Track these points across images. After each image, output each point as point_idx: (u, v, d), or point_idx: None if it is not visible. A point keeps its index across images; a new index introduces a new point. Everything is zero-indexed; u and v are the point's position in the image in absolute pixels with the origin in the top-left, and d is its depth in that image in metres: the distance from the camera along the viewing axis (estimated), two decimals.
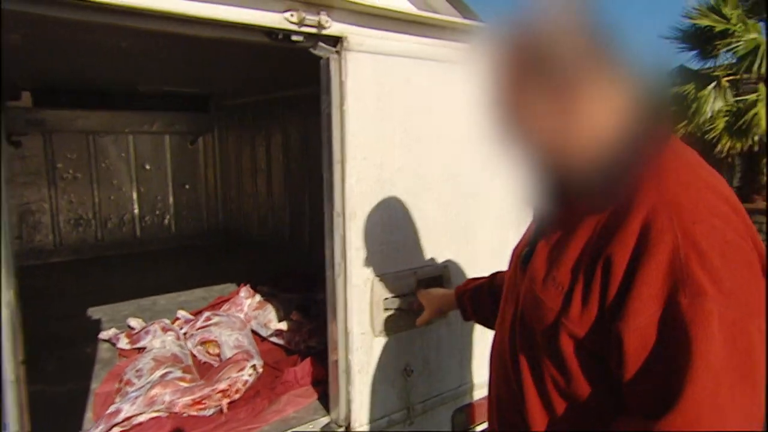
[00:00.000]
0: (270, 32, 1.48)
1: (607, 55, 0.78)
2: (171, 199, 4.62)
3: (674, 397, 0.65)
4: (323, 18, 1.52)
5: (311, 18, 1.50)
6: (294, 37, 1.52)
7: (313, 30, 1.52)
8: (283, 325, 2.34)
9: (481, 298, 1.36)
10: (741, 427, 0.64)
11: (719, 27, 6.75)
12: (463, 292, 1.47)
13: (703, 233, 0.66)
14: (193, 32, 1.40)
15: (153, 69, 3.10)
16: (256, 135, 4.33)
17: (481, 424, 2.08)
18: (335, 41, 1.58)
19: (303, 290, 2.93)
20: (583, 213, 0.83)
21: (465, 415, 2.03)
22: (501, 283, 1.15)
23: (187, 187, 4.71)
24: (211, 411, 1.76)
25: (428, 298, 1.66)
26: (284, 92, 3.71)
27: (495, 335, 1.07)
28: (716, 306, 0.63)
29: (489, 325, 1.26)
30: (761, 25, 6.97)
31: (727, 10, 6.76)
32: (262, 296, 2.64)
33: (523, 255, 0.99)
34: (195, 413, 1.73)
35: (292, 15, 1.47)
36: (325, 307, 2.47)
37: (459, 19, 1.90)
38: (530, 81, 0.79)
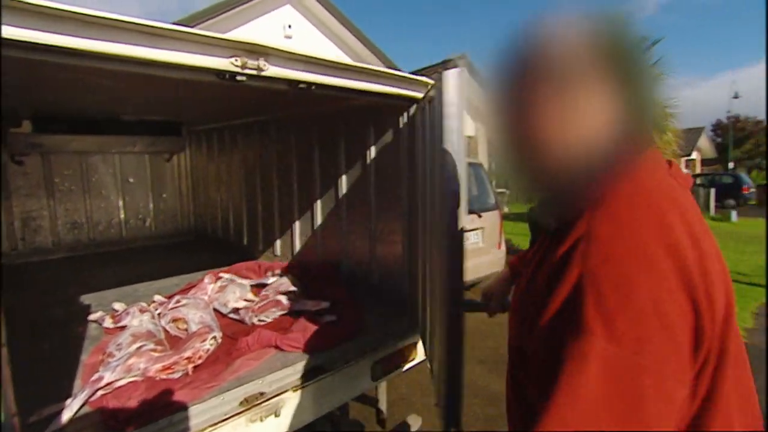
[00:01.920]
0: (219, 73, 1.49)
1: (603, 71, 0.66)
2: (151, 206, 4.57)
3: (547, 417, 0.54)
4: (262, 63, 1.63)
5: (252, 62, 1.61)
6: (238, 78, 1.62)
7: (254, 72, 1.64)
8: (239, 304, 2.34)
9: None
10: None
11: None
12: (515, 266, 1.31)
13: (608, 275, 0.55)
14: (161, 74, 1.41)
15: (133, 102, 3.08)
16: (220, 153, 4.29)
17: (389, 373, 2.17)
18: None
19: (256, 276, 2.95)
20: (545, 225, 0.74)
21: (381, 366, 2.10)
22: None
23: (164, 196, 4.67)
24: (179, 374, 1.74)
25: (492, 291, 1.42)
26: (242, 120, 3.72)
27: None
28: (601, 346, 0.52)
29: None
30: None
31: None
32: (223, 282, 2.62)
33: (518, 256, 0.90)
34: (165, 377, 1.71)
35: (236, 60, 1.56)
36: (272, 288, 2.57)
37: (381, 68, 2.03)
38: (529, 93, 0.69)
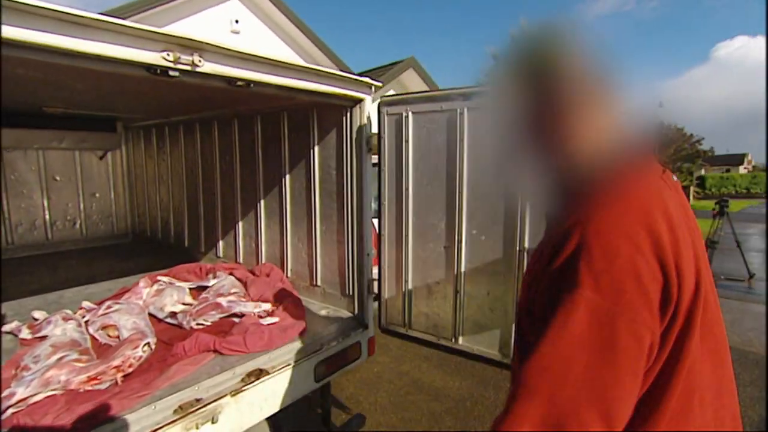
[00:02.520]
0: (149, 68, 1.41)
1: (603, 82, 0.76)
2: (82, 207, 4.22)
3: (538, 348, 0.66)
4: (196, 58, 1.57)
5: (186, 58, 1.54)
6: (171, 73, 1.54)
7: (188, 68, 1.57)
8: (176, 308, 2.24)
9: None
10: (586, 388, 0.63)
11: None
12: None
13: (599, 244, 0.66)
14: (87, 66, 1.32)
15: (59, 95, 2.85)
16: (160, 151, 4.06)
17: (333, 373, 2.16)
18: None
19: (197, 279, 2.83)
20: (554, 216, 0.83)
21: (324, 366, 2.10)
22: None
23: (97, 195, 4.33)
24: (107, 385, 1.62)
25: None
26: (183, 117, 3.55)
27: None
28: (588, 296, 0.64)
29: None
30: None
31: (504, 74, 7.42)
32: (160, 285, 2.50)
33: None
34: (90, 388, 1.59)
35: (168, 54, 1.49)
36: (213, 290, 2.49)
37: (322, 67, 2.02)
38: (534, 104, 0.78)
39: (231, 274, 2.92)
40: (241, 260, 3.28)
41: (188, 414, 1.57)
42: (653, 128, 0.90)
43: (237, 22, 8.33)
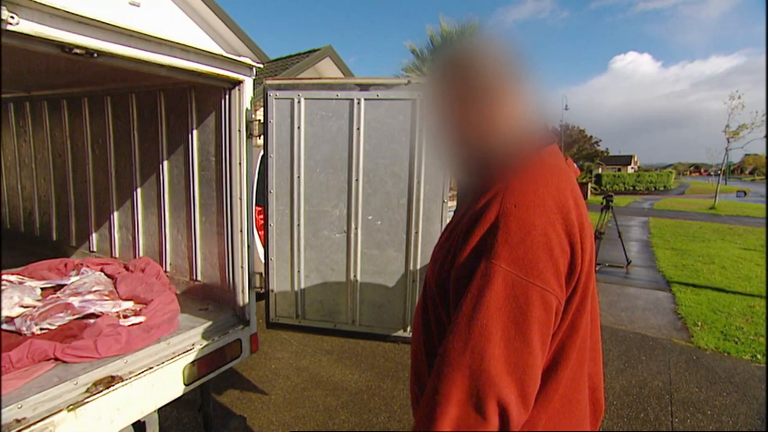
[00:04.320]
0: None
1: (514, 76, 0.82)
2: None
3: (456, 322, 0.69)
4: (5, 14, 1.29)
5: None
6: None
7: None
8: (14, 311, 1.91)
9: None
10: (505, 359, 0.66)
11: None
12: None
13: (517, 216, 0.69)
14: None
15: None
16: (19, 131, 3.51)
17: (208, 374, 1.99)
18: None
19: (58, 276, 2.47)
20: (471, 191, 0.86)
21: (196, 367, 1.92)
22: None
23: None
24: None
25: None
26: (43, 92, 3.09)
27: (416, 308, 1.03)
28: (505, 267, 0.67)
29: None
30: None
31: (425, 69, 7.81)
32: (2, 287, 2.10)
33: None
34: None
35: None
36: (70, 288, 2.18)
37: (190, 43, 1.80)
38: (456, 92, 0.83)
39: (102, 270, 2.60)
40: (117, 254, 2.94)
41: None
42: (559, 124, 0.98)
43: None
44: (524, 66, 0.83)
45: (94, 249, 3.09)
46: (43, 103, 3.23)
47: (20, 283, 2.31)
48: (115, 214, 2.90)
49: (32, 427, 1.40)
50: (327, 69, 9.15)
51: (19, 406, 1.42)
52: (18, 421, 1.39)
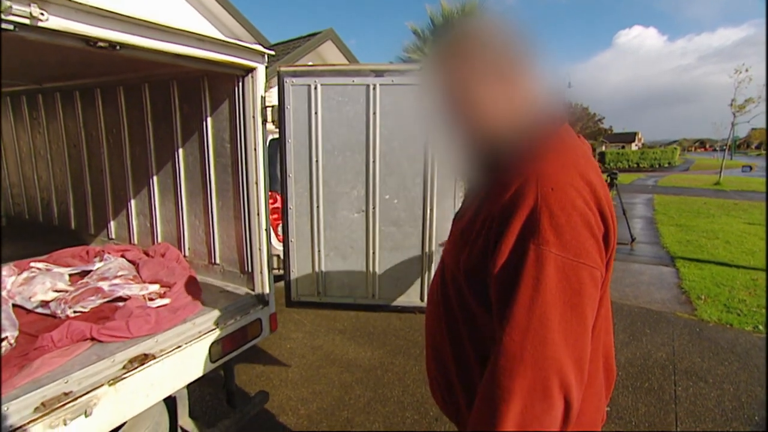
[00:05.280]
0: None
1: (521, 54, 0.80)
2: None
3: (512, 314, 0.68)
4: (35, 10, 1.34)
5: (21, 9, 1.31)
6: (3, 26, 1.32)
7: (26, 21, 1.34)
8: (48, 296, 2.01)
9: None
10: (564, 341, 0.67)
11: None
12: None
13: (557, 198, 0.69)
14: None
15: None
16: (33, 123, 3.56)
17: (231, 352, 2.10)
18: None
19: (82, 263, 2.57)
20: (489, 181, 0.84)
21: (220, 345, 2.02)
22: None
23: None
24: None
25: None
26: (58, 83, 3.14)
27: (432, 281, 1.03)
28: (555, 252, 0.67)
29: None
30: None
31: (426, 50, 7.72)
32: (31, 273, 2.21)
33: (455, 215, 0.99)
34: None
35: None
36: (96, 274, 2.28)
37: (205, 33, 1.84)
38: (461, 76, 0.80)
39: (122, 256, 2.69)
40: (135, 241, 3.03)
41: (53, 410, 1.42)
42: (565, 103, 0.96)
43: None
44: (531, 44, 0.81)
45: (113, 236, 3.19)
46: (56, 94, 3.29)
47: (47, 270, 2.40)
48: (133, 201, 2.98)
49: (78, 400, 1.50)
50: (329, 52, 9.09)
51: (66, 381, 1.52)
52: (66, 394, 1.49)
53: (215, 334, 2.02)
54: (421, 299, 2.40)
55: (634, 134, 70.50)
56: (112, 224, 3.17)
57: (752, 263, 6.11)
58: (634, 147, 60.97)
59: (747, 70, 19.45)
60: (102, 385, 1.58)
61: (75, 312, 1.95)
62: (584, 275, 0.69)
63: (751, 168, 28.55)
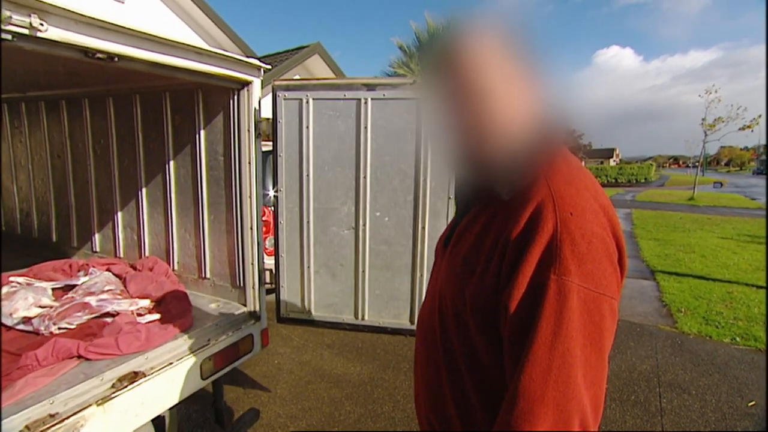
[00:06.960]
0: None
1: (523, 69, 0.76)
2: None
3: (532, 351, 0.63)
4: (35, 21, 1.33)
5: (21, 19, 1.29)
6: (3, 36, 1.30)
7: (25, 31, 1.33)
8: (31, 312, 1.93)
9: None
10: (584, 378, 0.63)
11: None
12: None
13: (577, 224, 0.65)
14: None
15: None
16: (14, 131, 3.48)
17: (223, 369, 2.05)
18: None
19: (65, 277, 2.49)
20: (491, 202, 0.79)
21: (212, 362, 1.98)
22: None
23: None
24: None
25: None
26: (44, 92, 3.07)
27: (421, 311, 0.96)
28: (578, 283, 0.63)
29: None
30: None
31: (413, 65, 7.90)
32: (12, 287, 2.13)
33: (444, 238, 0.92)
34: None
35: None
36: (82, 289, 2.22)
37: (202, 46, 1.84)
38: (454, 91, 0.76)
39: (108, 270, 2.62)
40: (121, 254, 2.96)
41: None
42: (567, 119, 0.88)
43: None
44: (527, 54, 0.76)
45: (97, 249, 3.10)
46: (40, 103, 3.22)
47: (28, 284, 2.32)
48: (119, 214, 2.91)
49: (65, 422, 1.45)
50: (316, 65, 9.15)
51: (51, 402, 1.46)
52: (51, 416, 1.43)
53: (207, 351, 1.98)
54: (411, 322, 2.38)
55: (612, 150, 72.54)
56: (97, 237, 3.09)
57: (727, 276, 6.31)
58: (612, 162, 62.65)
59: (716, 91, 20.35)
60: (90, 405, 1.53)
61: (60, 329, 1.88)
62: (605, 307, 0.65)
63: (722, 184, 29.62)
